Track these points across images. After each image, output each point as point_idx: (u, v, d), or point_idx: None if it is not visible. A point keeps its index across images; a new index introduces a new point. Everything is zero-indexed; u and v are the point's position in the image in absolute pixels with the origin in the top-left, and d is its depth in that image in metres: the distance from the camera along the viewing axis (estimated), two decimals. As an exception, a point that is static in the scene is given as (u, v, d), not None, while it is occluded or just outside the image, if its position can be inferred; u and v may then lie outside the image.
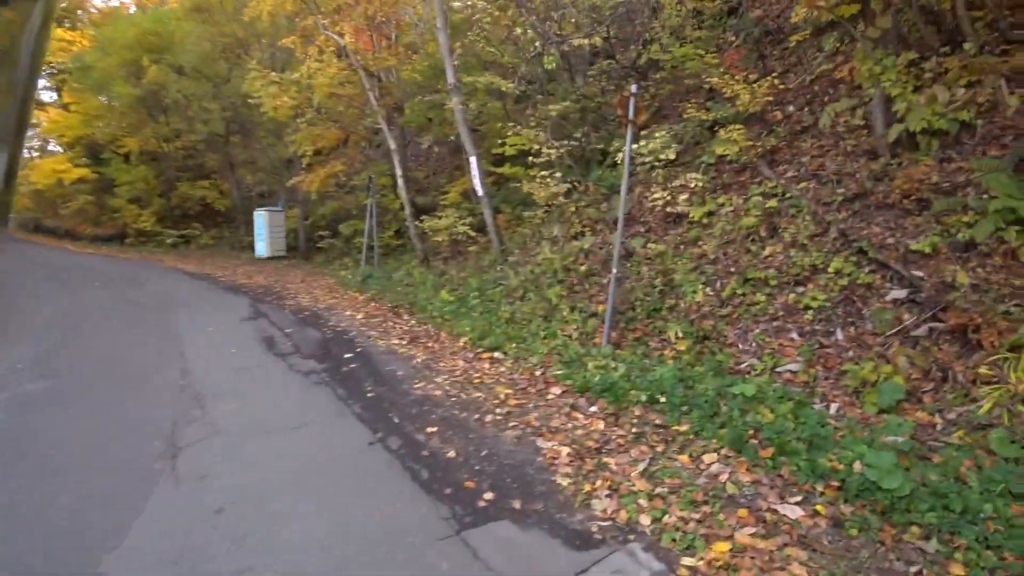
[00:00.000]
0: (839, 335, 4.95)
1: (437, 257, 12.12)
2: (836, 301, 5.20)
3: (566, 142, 9.62)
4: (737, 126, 7.26)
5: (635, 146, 7.74)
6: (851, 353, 4.72)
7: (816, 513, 3.02)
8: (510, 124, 10.43)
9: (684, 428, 4.07)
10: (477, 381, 5.49)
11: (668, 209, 7.37)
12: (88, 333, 8.42)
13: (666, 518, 3.06)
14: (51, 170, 22.58)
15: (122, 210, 23.34)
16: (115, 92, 18.88)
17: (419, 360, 6.34)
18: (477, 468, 3.80)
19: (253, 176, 22.68)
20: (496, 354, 6.27)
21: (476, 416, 4.64)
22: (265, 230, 18.18)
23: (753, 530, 2.88)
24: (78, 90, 21.41)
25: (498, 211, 11.40)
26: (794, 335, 5.25)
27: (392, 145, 12.29)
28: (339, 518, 3.26)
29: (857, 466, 3.25)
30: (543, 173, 9.19)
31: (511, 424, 4.42)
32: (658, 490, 3.31)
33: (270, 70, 13.00)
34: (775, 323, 5.44)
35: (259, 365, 6.58)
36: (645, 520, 3.06)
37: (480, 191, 9.85)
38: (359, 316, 9.03)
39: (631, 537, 2.95)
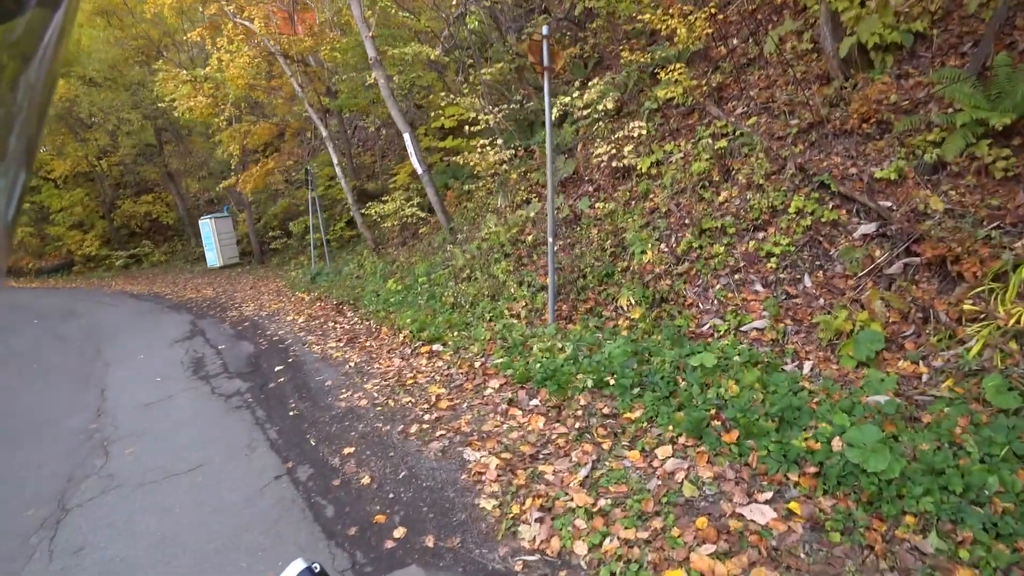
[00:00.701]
0: (807, 282, 4.37)
1: (390, 244, 11.40)
2: (801, 244, 4.62)
3: (505, 106, 8.90)
4: (679, 66, 6.59)
5: (567, 99, 7.05)
6: (822, 301, 4.15)
7: (790, 514, 2.43)
8: (449, 95, 9.68)
9: (636, 415, 3.47)
10: (410, 382, 4.84)
11: (615, 163, 6.71)
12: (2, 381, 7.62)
13: (607, 543, 2.45)
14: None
15: (63, 238, 22.05)
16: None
17: (352, 364, 5.67)
18: (391, 496, 3.17)
19: (199, 183, 21.52)
20: (435, 346, 5.62)
21: (401, 427, 3.99)
22: (213, 238, 17.18)
23: (713, 547, 2.29)
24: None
25: (447, 187, 10.68)
26: (758, 287, 4.67)
27: (324, 132, 11.41)
28: (207, 592, 2.63)
29: (836, 443, 2.68)
30: (483, 142, 8.48)
31: (438, 433, 3.78)
32: (600, 503, 2.71)
33: (188, 70, 11.96)
34: (737, 276, 4.85)
35: (180, 393, 5.87)
36: (581, 548, 2.46)
37: (420, 168, 9.09)
38: (300, 320, 8.32)
39: (562, 574, 2.35)
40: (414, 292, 7.77)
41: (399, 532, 2.83)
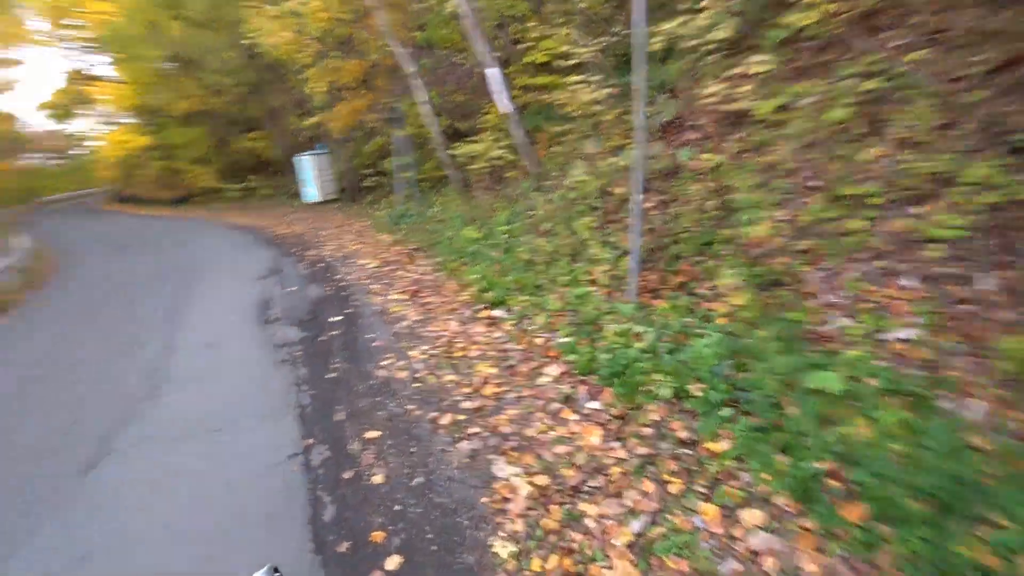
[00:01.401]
0: (986, 283, 3.18)
1: (478, 187, 10.84)
2: (978, 229, 3.38)
3: (604, 39, 7.80)
4: (822, -18, 5.19)
5: (670, 25, 5.85)
6: (1006, 315, 2.98)
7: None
8: (543, 27, 8.70)
9: (722, 447, 2.63)
10: (459, 354, 4.25)
11: (725, 107, 5.52)
12: (107, 305, 8.17)
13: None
14: (117, 141, 23.33)
15: (186, 171, 24.03)
16: (144, 56, 18.84)
17: (407, 323, 5.19)
18: (398, 508, 2.62)
19: (301, 121, 22.10)
20: (498, 312, 4.98)
21: (434, 413, 3.42)
22: (312, 174, 17.72)
23: None
24: (120, 60, 21.28)
25: (539, 129, 9.85)
26: (910, 281, 3.52)
27: (411, 69, 10.81)
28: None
29: (1030, 559, 1.74)
30: (575, 78, 7.51)
31: (473, 430, 3.17)
32: (651, 582, 1.98)
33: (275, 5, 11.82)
34: (880, 263, 3.70)
35: (239, 337, 5.75)
36: (613, 656, 1.77)
37: (505, 108, 8.30)
38: (372, 265, 8.04)
39: None
40: (490, 242, 7.18)
41: (393, 562, 2.28)
